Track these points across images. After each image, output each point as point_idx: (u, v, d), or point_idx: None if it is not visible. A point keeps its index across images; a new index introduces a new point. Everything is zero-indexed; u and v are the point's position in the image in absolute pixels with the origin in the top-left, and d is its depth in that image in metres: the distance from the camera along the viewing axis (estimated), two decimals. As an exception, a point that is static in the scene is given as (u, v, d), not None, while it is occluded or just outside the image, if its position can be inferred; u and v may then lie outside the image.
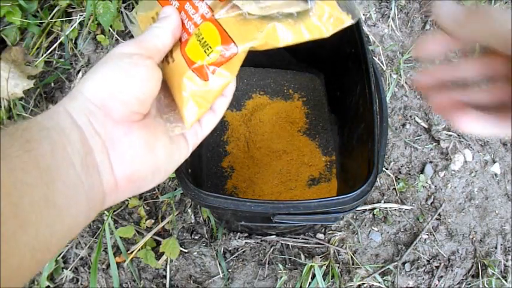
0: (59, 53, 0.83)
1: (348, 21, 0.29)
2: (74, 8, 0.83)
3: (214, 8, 0.29)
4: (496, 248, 0.75)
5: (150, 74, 0.28)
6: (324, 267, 0.69)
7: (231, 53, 0.28)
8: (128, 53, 0.27)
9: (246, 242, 0.71)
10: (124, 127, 0.27)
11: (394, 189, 0.77)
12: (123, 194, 0.28)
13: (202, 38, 0.29)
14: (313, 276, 0.68)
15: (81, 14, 0.82)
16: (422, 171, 0.79)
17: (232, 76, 0.30)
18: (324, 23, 0.28)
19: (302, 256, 0.71)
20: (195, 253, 0.71)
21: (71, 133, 0.25)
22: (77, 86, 0.27)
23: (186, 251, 0.70)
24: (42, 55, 0.81)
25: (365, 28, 0.88)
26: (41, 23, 0.81)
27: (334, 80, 0.72)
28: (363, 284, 0.70)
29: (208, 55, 0.29)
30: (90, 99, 0.26)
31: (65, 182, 0.23)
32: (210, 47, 0.28)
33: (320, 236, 0.73)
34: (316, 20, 0.28)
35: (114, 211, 0.72)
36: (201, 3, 0.30)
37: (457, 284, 0.73)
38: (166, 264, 0.70)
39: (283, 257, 0.71)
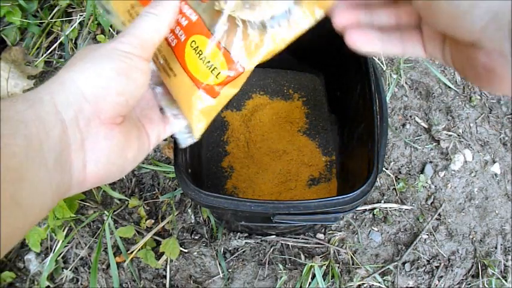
0: (59, 53, 0.83)
1: None
2: (74, 8, 0.83)
3: (201, 13, 0.29)
4: (496, 248, 0.75)
5: (145, 79, 0.27)
6: (324, 267, 0.69)
7: (237, 73, 0.29)
8: (129, 52, 0.26)
9: (246, 242, 0.71)
10: (106, 129, 0.26)
11: (394, 189, 0.77)
12: (86, 187, 0.28)
13: (206, 58, 0.29)
14: (313, 276, 0.68)
15: (81, 14, 0.82)
16: (422, 171, 0.79)
17: (237, 89, 0.31)
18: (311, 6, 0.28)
19: (302, 256, 0.71)
20: (195, 253, 0.71)
21: (52, 128, 0.24)
22: (70, 73, 0.26)
23: (186, 251, 0.70)
24: (42, 55, 0.81)
25: (365, 28, 0.88)
26: (41, 23, 0.81)
27: (334, 80, 0.72)
28: (363, 284, 0.70)
29: (216, 76, 0.29)
30: (84, 94, 0.25)
31: (34, 181, 0.22)
32: (216, 69, 0.29)
33: (320, 236, 0.73)
34: (304, 7, 0.28)
35: (114, 211, 0.72)
36: (184, 4, 0.30)
37: (457, 284, 0.73)
38: (166, 264, 0.70)
39: (283, 257, 0.71)
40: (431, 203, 0.77)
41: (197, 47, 0.29)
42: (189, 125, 0.32)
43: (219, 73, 0.29)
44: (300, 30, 0.28)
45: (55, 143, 0.24)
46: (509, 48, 0.20)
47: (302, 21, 0.27)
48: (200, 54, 0.29)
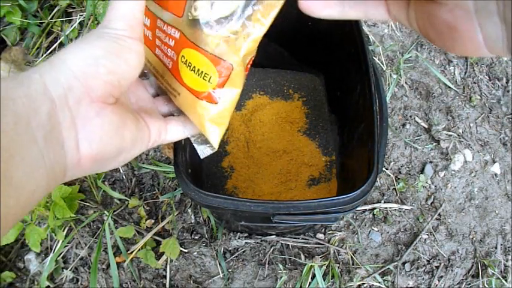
0: (59, 53, 0.83)
1: None
2: (74, 8, 0.83)
3: (181, 27, 0.30)
4: (496, 248, 0.75)
5: (139, 61, 0.28)
6: (324, 267, 0.69)
7: (228, 71, 0.29)
8: (121, 35, 0.27)
9: (246, 242, 0.71)
10: (97, 107, 0.26)
11: (394, 189, 0.77)
12: (84, 170, 0.27)
13: (192, 64, 0.30)
14: (313, 276, 0.68)
15: (81, 14, 0.82)
16: (422, 171, 0.79)
17: (238, 88, 0.31)
18: None
19: (302, 256, 0.71)
20: (195, 253, 0.71)
21: (41, 106, 0.24)
22: (59, 54, 0.26)
23: (186, 251, 0.70)
24: (42, 55, 0.81)
25: (365, 28, 0.88)
26: (41, 23, 0.81)
27: (334, 80, 0.72)
28: (363, 284, 0.70)
29: (209, 81, 0.30)
30: (74, 71, 0.25)
31: (24, 158, 0.22)
32: (206, 74, 0.29)
33: (320, 236, 0.73)
34: None
35: (114, 211, 0.72)
36: (166, 26, 0.31)
37: (457, 284, 0.73)
38: (166, 264, 0.70)
39: (283, 257, 0.71)
40: (431, 203, 0.77)
41: (186, 60, 0.30)
42: (206, 137, 0.32)
43: (210, 77, 0.29)
44: (273, 9, 0.28)
45: (44, 120, 0.24)
46: (471, 3, 0.20)
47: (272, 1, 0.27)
48: (191, 66, 0.30)
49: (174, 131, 0.34)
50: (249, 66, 0.31)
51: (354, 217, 0.75)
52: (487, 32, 0.20)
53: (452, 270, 0.73)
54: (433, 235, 0.75)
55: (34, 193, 0.23)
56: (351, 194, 0.44)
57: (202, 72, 0.30)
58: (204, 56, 0.29)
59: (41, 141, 0.23)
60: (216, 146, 0.33)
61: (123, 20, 0.27)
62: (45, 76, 0.25)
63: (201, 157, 0.35)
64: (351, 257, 0.72)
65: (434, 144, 0.81)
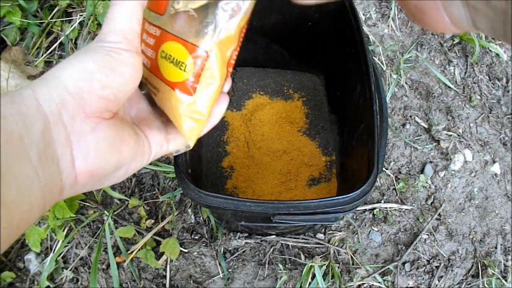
0: (59, 53, 0.83)
1: None
2: (74, 8, 0.83)
3: (162, 24, 0.29)
4: (496, 248, 0.75)
5: (135, 74, 0.27)
6: (324, 267, 0.69)
7: (202, 58, 0.28)
8: (116, 48, 0.26)
9: (246, 242, 0.71)
10: (92, 123, 0.26)
11: (394, 189, 0.77)
12: (82, 187, 0.27)
13: (171, 56, 0.29)
14: (313, 276, 0.68)
15: (81, 14, 0.82)
16: (422, 171, 0.79)
17: (215, 81, 0.29)
18: None
19: (302, 256, 0.71)
20: (195, 253, 0.71)
21: (34, 122, 0.23)
22: (53, 69, 0.26)
23: (186, 251, 0.70)
24: (42, 55, 0.81)
25: (365, 28, 0.88)
26: (41, 23, 0.81)
27: (334, 80, 0.72)
28: (363, 284, 0.70)
29: (184, 70, 0.28)
30: (67, 86, 0.25)
31: (17, 178, 0.22)
32: (182, 62, 0.28)
33: (320, 236, 0.73)
34: None
35: (114, 211, 0.72)
36: (148, 25, 0.30)
37: (457, 284, 0.73)
38: (166, 264, 0.70)
39: (283, 257, 0.71)
40: (431, 203, 0.77)
41: (166, 53, 0.29)
42: (180, 132, 0.31)
43: (186, 66, 0.28)
44: None
45: (37, 138, 0.23)
46: None
47: None
48: (169, 58, 0.29)
49: (177, 140, 0.33)
50: (232, 61, 0.30)
51: (354, 217, 0.75)
52: (452, 13, 0.22)
53: (452, 270, 0.73)
54: (433, 235, 0.75)
55: (29, 213, 0.23)
56: (351, 194, 0.44)
57: (178, 61, 0.29)
58: (181, 44, 0.28)
59: (35, 159, 0.23)
60: (190, 143, 0.31)
61: (120, 33, 0.27)
62: (37, 92, 0.24)
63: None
64: (351, 257, 0.72)
65: (434, 144, 0.81)
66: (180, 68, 0.29)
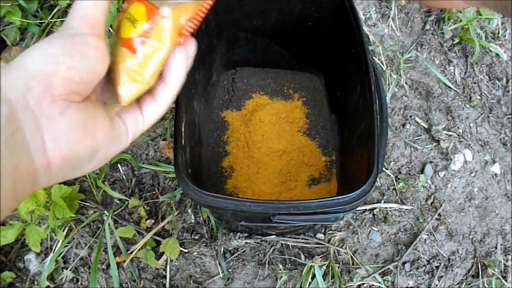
0: (59, 53, 0.83)
1: None
2: (74, 8, 0.83)
3: None
4: (496, 248, 0.75)
5: (100, 56, 0.27)
6: (324, 267, 0.69)
7: (156, 20, 0.29)
8: (80, 32, 0.27)
9: (246, 242, 0.71)
10: (61, 106, 0.26)
11: (394, 189, 0.77)
12: (57, 174, 0.27)
13: (130, 14, 0.29)
14: (313, 276, 0.68)
15: (81, 14, 0.82)
16: (422, 171, 0.79)
17: (162, 45, 0.29)
18: None
19: (302, 256, 0.71)
20: (195, 253, 0.71)
21: None
22: (19, 56, 0.26)
23: (186, 251, 0.70)
24: (42, 55, 0.81)
25: (365, 28, 0.88)
26: (41, 23, 0.81)
27: (334, 80, 0.72)
28: (363, 284, 0.70)
29: (135, 27, 0.29)
30: (31, 71, 0.25)
31: None
32: (137, 20, 0.29)
33: (320, 236, 0.73)
34: None
35: (114, 211, 0.72)
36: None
37: (457, 284, 0.73)
38: (166, 264, 0.70)
39: (283, 257, 0.71)
40: (431, 203, 0.77)
41: (129, 13, 0.30)
42: (116, 89, 0.30)
43: (137, 22, 0.29)
44: None
45: (2, 124, 0.23)
46: None
47: None
48: (128, 16, 0.29)
49: (150, 112, 0.33)
50: (184, 32, 0.30)
51: (354, 217, 0.75)
52: None
53: (452, 270, 0.73)
54: (433, 235, 0.75)
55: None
56: (351, 194, 0.44)
57: (134, 18, 0.29)
58: (142, 4, 0.29)
59: (2, 146, 0.22)
60: (122, 101, 0.30)
61: (83, 19, 0.27)
62: (1, 78, 0.24)
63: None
64: (351, 257, 0.72)
65: (434, 144, 0.81)
66: (134, 25, 0.29)
